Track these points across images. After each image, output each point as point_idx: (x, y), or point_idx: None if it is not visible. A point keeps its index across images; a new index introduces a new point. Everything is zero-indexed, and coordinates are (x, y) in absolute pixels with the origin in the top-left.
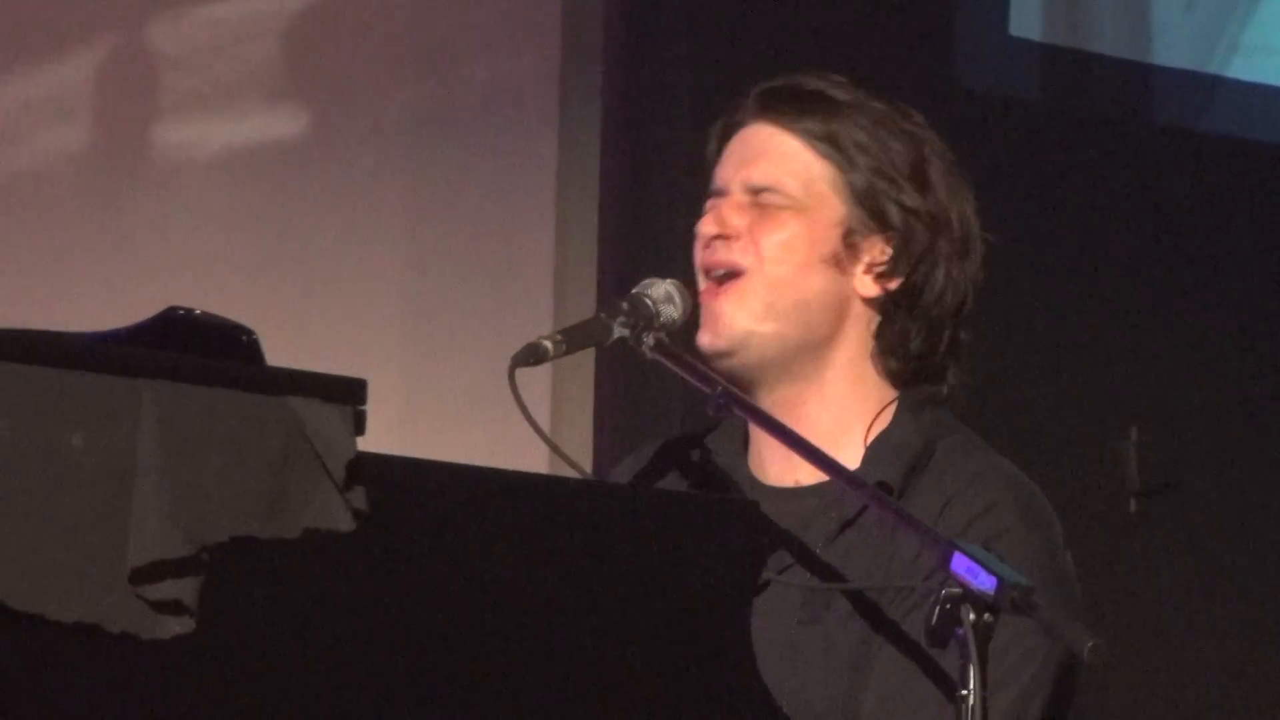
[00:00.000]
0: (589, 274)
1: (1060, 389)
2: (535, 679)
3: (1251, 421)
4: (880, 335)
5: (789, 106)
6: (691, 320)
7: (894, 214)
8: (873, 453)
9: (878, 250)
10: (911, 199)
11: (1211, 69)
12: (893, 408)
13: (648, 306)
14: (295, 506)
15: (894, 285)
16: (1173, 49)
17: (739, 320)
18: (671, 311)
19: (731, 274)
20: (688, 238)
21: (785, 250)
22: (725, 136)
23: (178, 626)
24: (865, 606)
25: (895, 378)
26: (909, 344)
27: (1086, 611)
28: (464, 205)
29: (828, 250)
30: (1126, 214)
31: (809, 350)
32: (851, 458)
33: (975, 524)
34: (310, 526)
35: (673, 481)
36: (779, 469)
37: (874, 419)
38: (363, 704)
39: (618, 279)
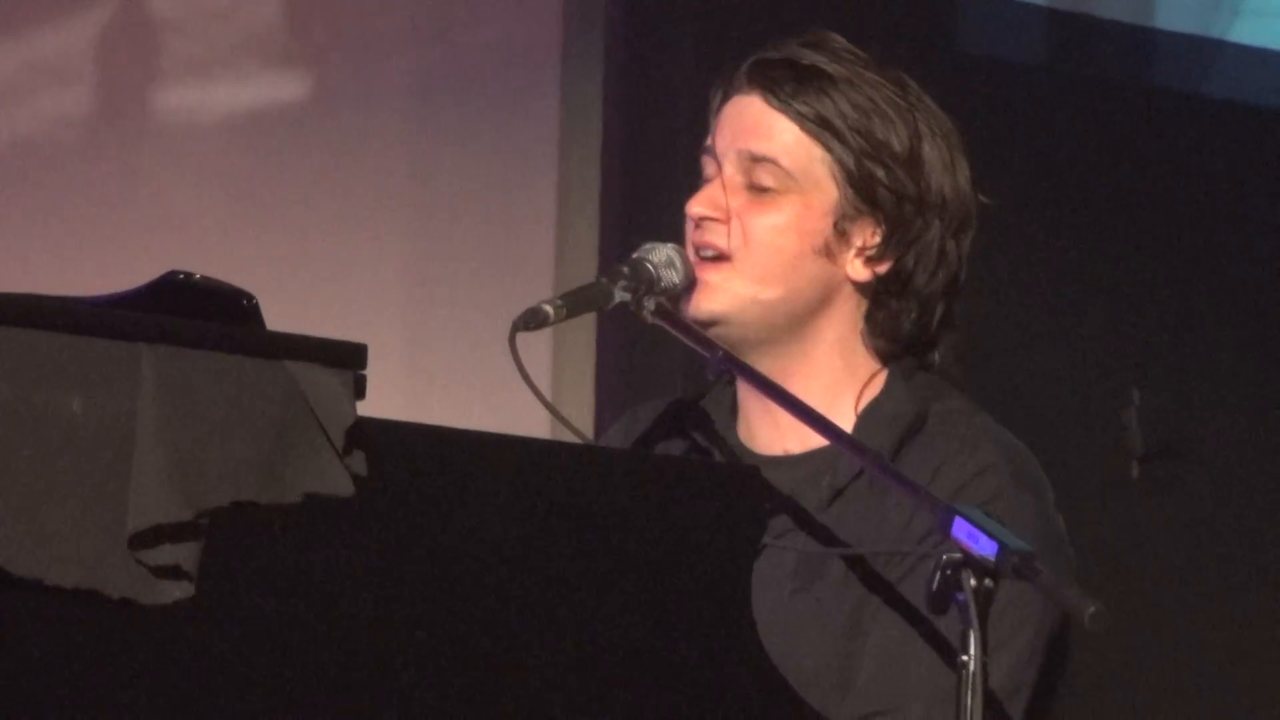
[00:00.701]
0: (591, 238)
1: (1063, 354)
2: (536, 644)
3: (1254, 385)
4: (870, 317)
5: (784, 83)
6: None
7: (885, 197)
8: (864, 422)
9: (869, 234)
10: (903, 182)
11: (1214, 33)
12: (883, 376)
13: (649, 271)
14: (295, 471)
15: (884, 269)
16: (1175, 13)
17: (721, 301)
18: (672, 276)
19: (720, 257)
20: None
21: (775, 239)
22: (723, 100)
23: (177, 591)
24: (858, 574)
25: (886, 354)
26: (900, 325)
27: (1077, 575)
28: (465, 169)
29: (819, 241)
30: (1129, 178)
31: (794, 330)
32: (843, 428)
33: (966, 489)
34: (310, 491)
35: (662, 448)
36: (767, 438)
37: (864, 387)
38: (363, 668)
39: (619, 243)
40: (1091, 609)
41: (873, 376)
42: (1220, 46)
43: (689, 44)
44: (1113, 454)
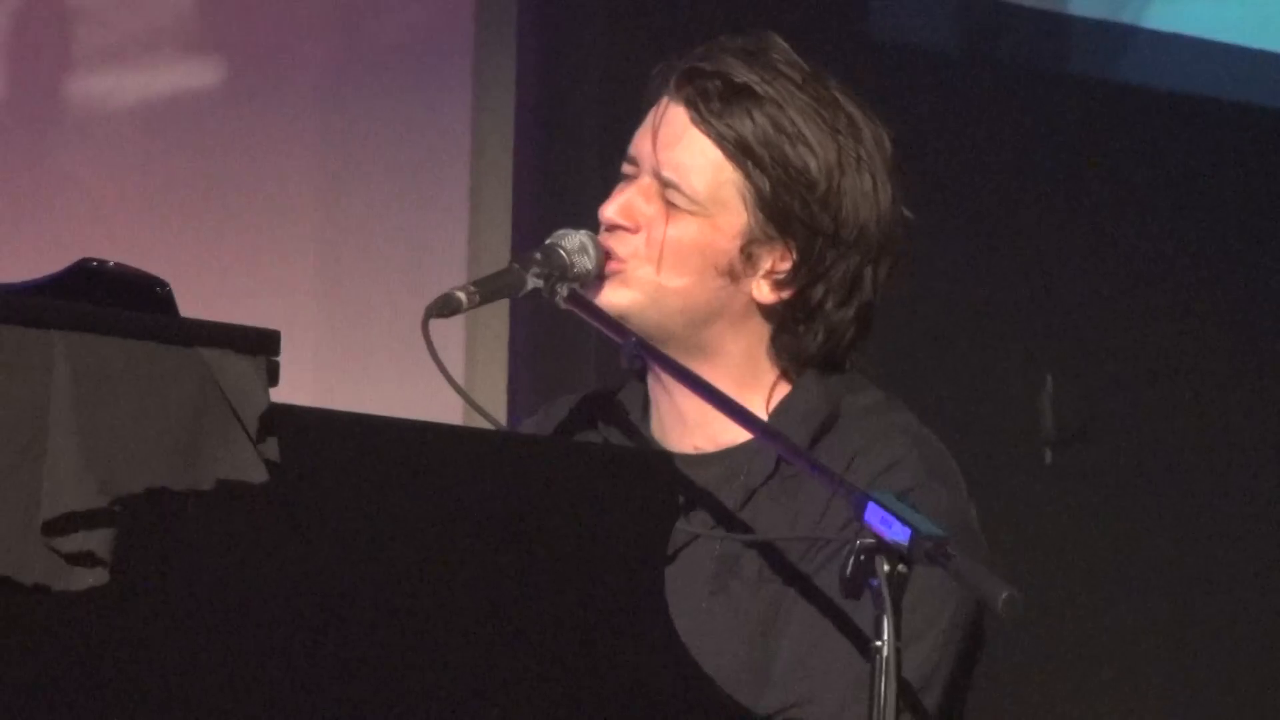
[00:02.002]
0: (504, 225)
1: (976, 340)
2: (448, 631)
3: (1166, 371)
4: (776, 338)
5: (711, 98)
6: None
7: (798, 229)
8: (776, 419)
9: (777, 258)
10: (818, 215)
11: (1126, 18)
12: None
13: (561, 257)
14: (208, 458)
15: (790, 294)
16: None
17: (621, 297)
18: (585, 262)
19: (618, 260)
20: (604, 189)
21: (679, 257)
22: (654, 95)
23: (91, 578)
24: (773, 570)
25: (794, 370)
26: (805, 348)
27: (994, 564)
28: (378, 156)
29: (724, 262)
30: (1041, 165)
31: (694, 337)
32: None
33: (879, 480)
34: (223, 478)
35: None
36: (678, 435)
37: (773, 388)
38: (274, 656)
39: (533, 230)
40: (1004, 595)
41: (780, 379)
42: (1133, 32)
43: (601, 31)
44: (1026, 439)
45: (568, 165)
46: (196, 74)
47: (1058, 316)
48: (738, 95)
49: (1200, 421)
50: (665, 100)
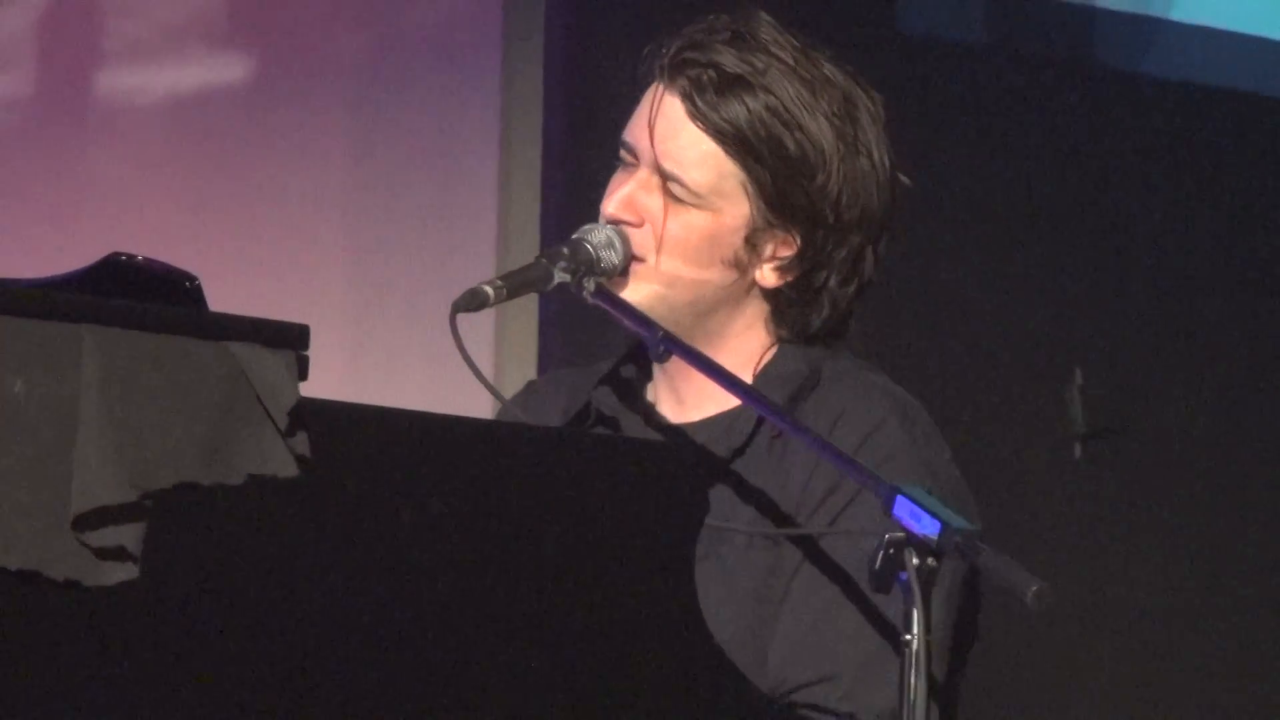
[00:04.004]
0: (532, 219)
1: (1005, 333)
2: (477, 625)
3: (1196, 364)
4: (778, 318)
5: (705, 90)
6: None
7: (799, 214)
8: (759, 383)
9: (780, 244)
10: (819, 204)
11: (1154, 11)
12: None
13: (588, 251)
14: (238, 452)
15: (794, 278)
16: None
17: (632, 296)
18: (612, 257)
19: (632, 258)
20: None
21: (684, 249)
22: (645, 81)
23: (121, 573)
24: (763, 536)
25: (789, 340)
26: (810, 324)
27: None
28: (407, 150)
29: (729, 253)
30: (1069, 157)
31: (702, 325)
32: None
33: (867, 441)
34: (253, 472)
35: (570, 415)
36: (671, 410)
37: (763, 355)
38: (303, 649)
39: (560, 224)
40: (1034, 587)
41: (769, 349)
42: (1160, 25)
43: (629, 24)
44: (1055, 433)
45: (596, 158)
46: (225, 69)
47: (1086, 310)
48: (732, 86)
49: (1230, 415)
50: (659, 89)
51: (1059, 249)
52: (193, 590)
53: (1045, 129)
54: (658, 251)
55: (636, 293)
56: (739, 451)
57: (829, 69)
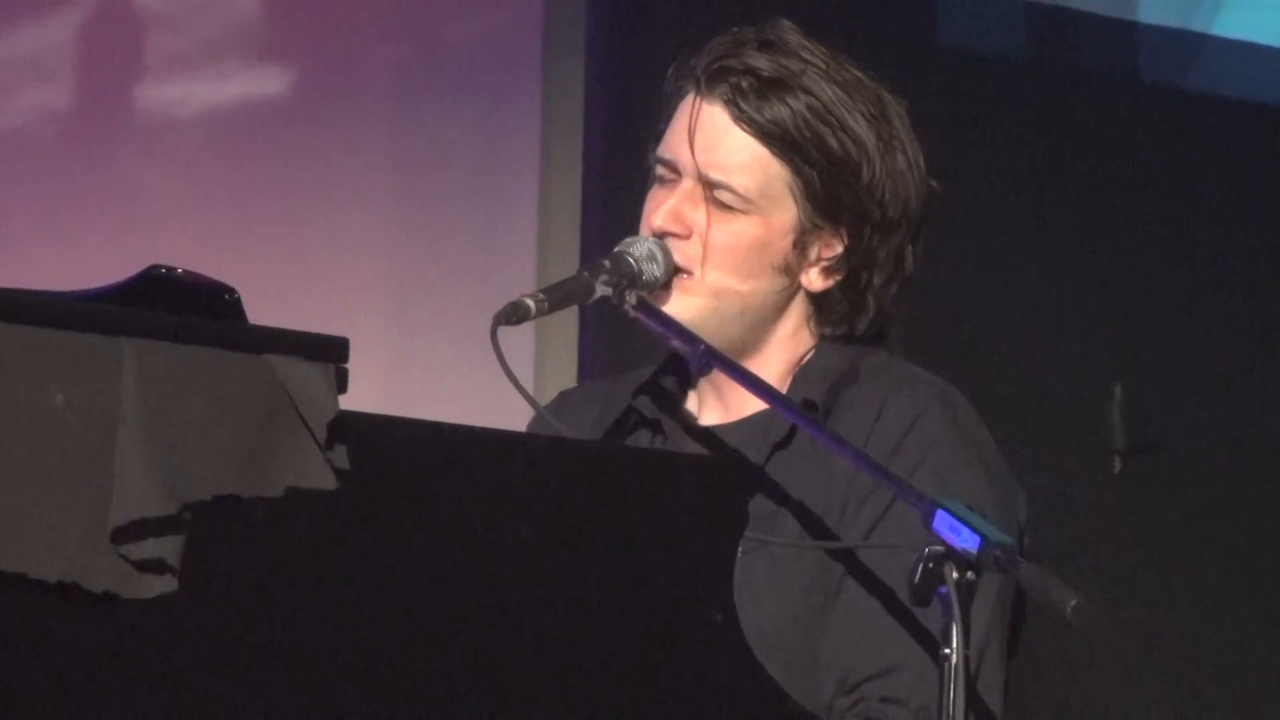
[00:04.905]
0: (573, 232)
1: (1045, 348)
2: (517, 637)
3: (1236, 380)
4: (824, 318)
5: (748, 94)
6: None
7: (846, 214)
8: (798, 379)
9: (827, 246)
10: (865, 200)
11: (1195, 26)
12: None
13: (630, 265)
14: (277, 465)
15: (840, 279)
16: (1156, 6)
17: (681, 310)
18: (654, 270)
19: (679, 270)
20: None
21: (734, 259)
22: (679, 93)
23: (160, 585)
24: (813, 532)
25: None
26: (856, 324)
27: (1027, 507)
28: (447, 163)
29: (780, 259)
30: (1111, 172)
31: (750, 334)
32: (779, 390)
33: (913, 429)
34: (292, 485)
35: (610, 425)
36: (709, 415)
37: (804, 356)
38: (344, 660)
39: (600, 237)
40: (1074, 602)
41: (811, 349)
42: (1202, 40)
43: (670, 35)
44: (1095, 449)
45: (636, 173)
46: (265, 81)
47: (1127, 324)
48: (773, 88)
49: (1271, 431)
50: (696, 100)
51: (1101, 264)
52: (231, 602)
53: (1087, 143)
54: (704, 263)
55: (684, 306)
56: (782, 444)
57: (858, 72)
